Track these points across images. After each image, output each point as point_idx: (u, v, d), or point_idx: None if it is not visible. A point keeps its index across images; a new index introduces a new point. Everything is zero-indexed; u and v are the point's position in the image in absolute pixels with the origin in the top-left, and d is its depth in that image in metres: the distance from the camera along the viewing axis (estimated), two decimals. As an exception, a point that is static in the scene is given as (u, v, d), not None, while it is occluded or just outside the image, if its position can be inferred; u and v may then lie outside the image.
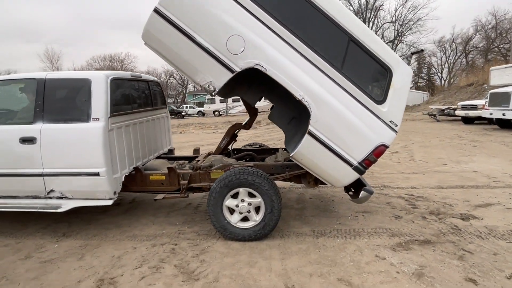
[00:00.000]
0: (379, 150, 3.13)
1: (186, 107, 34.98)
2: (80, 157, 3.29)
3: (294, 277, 2.67)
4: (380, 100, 3.11)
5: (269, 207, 3.25)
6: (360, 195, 3.29)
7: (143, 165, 3.97)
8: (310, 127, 3.08)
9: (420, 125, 14.47)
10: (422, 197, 4.52)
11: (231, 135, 4.27)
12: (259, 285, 2.58)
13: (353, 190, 3.68)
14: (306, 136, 3.09)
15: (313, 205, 4.37)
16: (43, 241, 3.49)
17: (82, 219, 4.10)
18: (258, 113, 4.57)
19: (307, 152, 3.17)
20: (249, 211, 3.33)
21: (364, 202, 3.64)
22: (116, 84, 3.54)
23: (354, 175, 3.20)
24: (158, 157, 4.58)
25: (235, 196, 3.33)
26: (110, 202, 3.44)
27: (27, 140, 3.29)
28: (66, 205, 3.42)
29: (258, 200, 3.28)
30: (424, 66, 44.74)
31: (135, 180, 3.81)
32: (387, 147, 3.14)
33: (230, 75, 3.04)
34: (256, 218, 3.34)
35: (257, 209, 3.34)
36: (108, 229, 3.76)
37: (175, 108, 33.46)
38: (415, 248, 3.06)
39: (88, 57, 70.98)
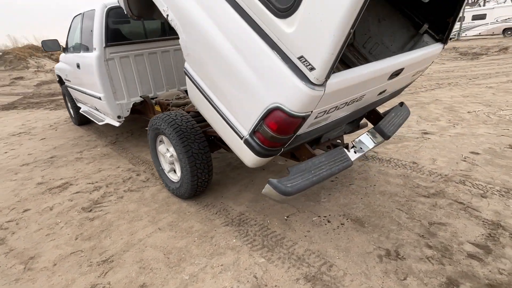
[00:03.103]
0: (274, 118, 1.56)
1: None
2: (91, 83, 3.89)
3: (130, 254, 2.19)
4: (285, 9, 1.39)
5: (181, 165, 2.60)
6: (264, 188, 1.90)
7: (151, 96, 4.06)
8: (185, 64, 1.96)
9: None
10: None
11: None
12: (101, 242, 2.34)
13: None
14: (186, 78, 2.02)
15: (331, 185, 2.96)
16: (101, 143, 4.68)
17: (140, 135, 5.00)
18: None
19: (195, 102, 2.12)
20: (173, 164, 2.84)
21: (281, 202, 2.11)
22: (117, 13, 3.64)
23: (250, 155, 1.84)
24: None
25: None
26: (116, 124, 3.97)
27: (81, 66, 4.23)
28: (104, 120, 4.31)
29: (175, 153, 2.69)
30: None
31: (149, 109, 4.09)
32: (290, 115, 1.50)
33: None
34: (178, 174, 2.81)
35: (184, 165, 2.76)
36: (135, 147, 4.42)
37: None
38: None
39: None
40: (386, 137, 2.49)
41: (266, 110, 1.56)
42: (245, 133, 1.76)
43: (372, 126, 2.65)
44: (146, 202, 2.87)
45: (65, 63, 4.96)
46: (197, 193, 2.77)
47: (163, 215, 2.64)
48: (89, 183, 3.35)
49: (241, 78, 1.62)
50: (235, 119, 1.79)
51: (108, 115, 4.02)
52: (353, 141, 2.48)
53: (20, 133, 5.64)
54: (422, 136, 4.00)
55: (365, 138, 2.55)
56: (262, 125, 1.62)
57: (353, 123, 2.79)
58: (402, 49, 2.86)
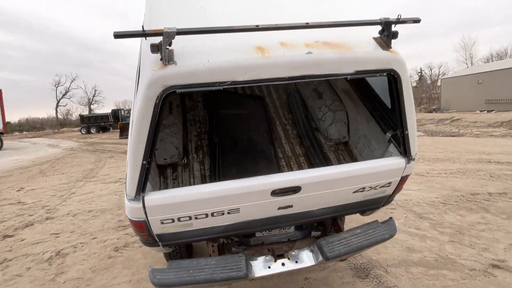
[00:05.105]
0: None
1: None
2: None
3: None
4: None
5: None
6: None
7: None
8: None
9: None
10: None
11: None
12: (96, 277, 3.16)
13: None
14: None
15: (279, 284, 2.78)
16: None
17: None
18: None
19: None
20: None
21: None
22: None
23: (144, 242, 2.23)
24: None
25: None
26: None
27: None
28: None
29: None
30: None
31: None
32: (128, 217, 1.86)
33: None
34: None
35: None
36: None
37: None
38: None
39: None
40: (325, 257, 2.16)
41: (127, 208, 1.98)
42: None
43: None
44: (150, 255, 3.55)
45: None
46: (174, 258, 3.20)
47: (146, 270, 3.22)
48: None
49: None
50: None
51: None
52: (292, 251, 2.32)
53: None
54: (485, 269, 2.81)
55: (306, 253, 2.30)
56: (130, 220, 2.02)
57: (302, 230, 2.52)
58: (383, 155, 2.44)
